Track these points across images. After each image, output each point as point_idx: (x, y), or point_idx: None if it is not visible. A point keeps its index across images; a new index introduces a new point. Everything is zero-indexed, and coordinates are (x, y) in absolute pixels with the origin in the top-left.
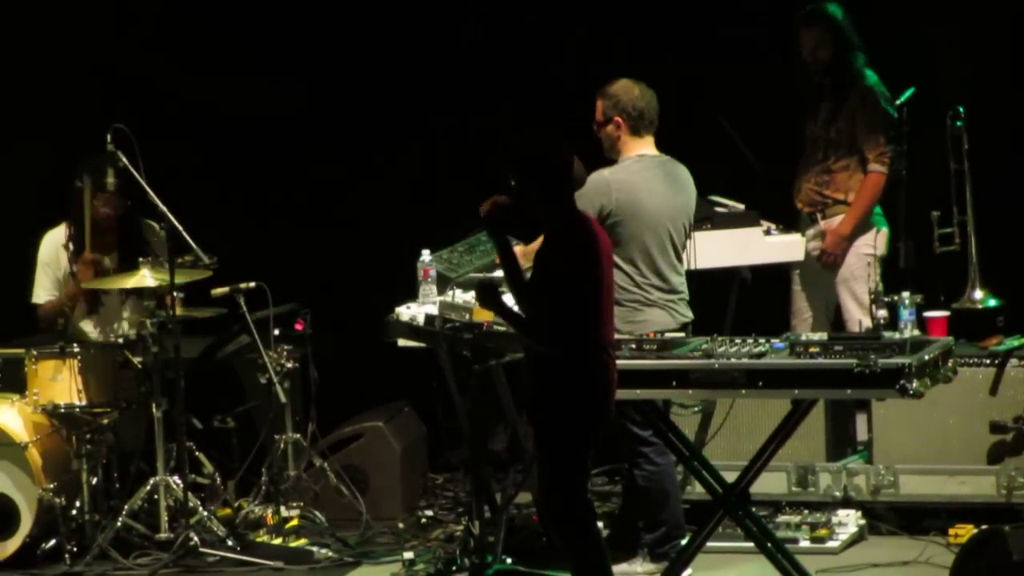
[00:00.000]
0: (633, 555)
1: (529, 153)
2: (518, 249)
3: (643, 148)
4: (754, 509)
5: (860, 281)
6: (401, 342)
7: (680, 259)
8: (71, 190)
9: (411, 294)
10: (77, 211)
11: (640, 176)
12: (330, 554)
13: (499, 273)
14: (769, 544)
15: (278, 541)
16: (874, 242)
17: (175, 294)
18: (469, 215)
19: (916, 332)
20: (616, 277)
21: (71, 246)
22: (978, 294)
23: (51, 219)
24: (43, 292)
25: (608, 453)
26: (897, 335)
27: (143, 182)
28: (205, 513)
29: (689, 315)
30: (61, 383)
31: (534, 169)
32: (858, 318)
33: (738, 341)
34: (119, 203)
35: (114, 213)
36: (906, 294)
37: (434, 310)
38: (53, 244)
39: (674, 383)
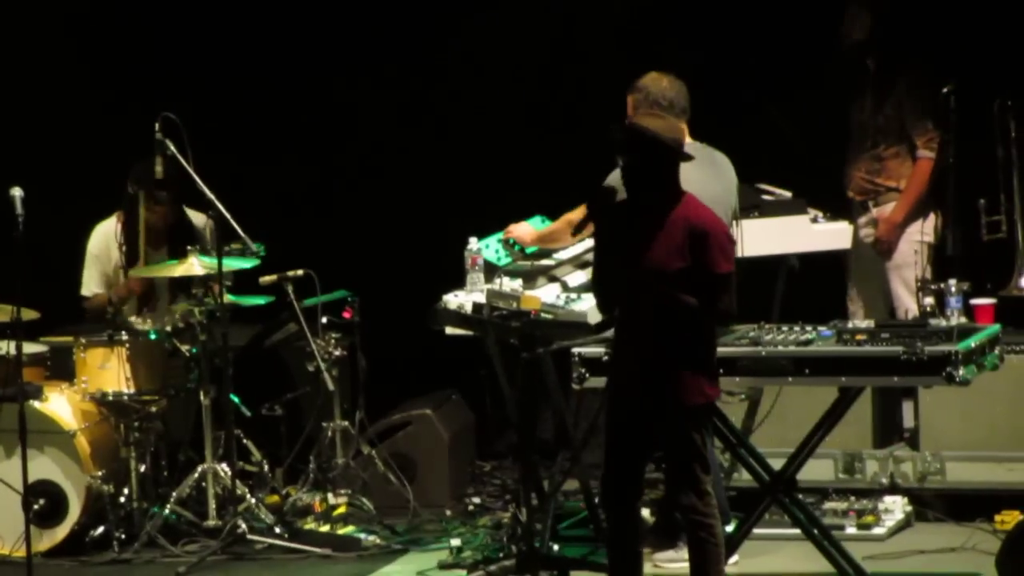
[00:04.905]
0: (677, 543)
1: (650, 134)
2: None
3: None
4: (801, 496)
5: (910, 268)
6: (449, 330)
7: None
8: (124, 195)
9: (459, 282)
10: (129, 217)
11: None
12: (378, 541)
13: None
14: (816, 531)
15: (326, 528)
16: (922, 228)
17: (223, 282)
18: (516, 203)
19: (963, 320)
20: None
21: (124, 249)
22: None
23: (101, 210)
24: (92, 285)
25: None
26: (944, 322)
27: (191, 171)
28: (253, 500)
29: None
30: (110, 371)
31: (654, 149)
32: (908, 305)
33: (785, 329)
34: (169, 213)
35: (164, 224)
36: (953, 281)
37: (482, 298)
38: (103, 236)
39: (721, 371)
